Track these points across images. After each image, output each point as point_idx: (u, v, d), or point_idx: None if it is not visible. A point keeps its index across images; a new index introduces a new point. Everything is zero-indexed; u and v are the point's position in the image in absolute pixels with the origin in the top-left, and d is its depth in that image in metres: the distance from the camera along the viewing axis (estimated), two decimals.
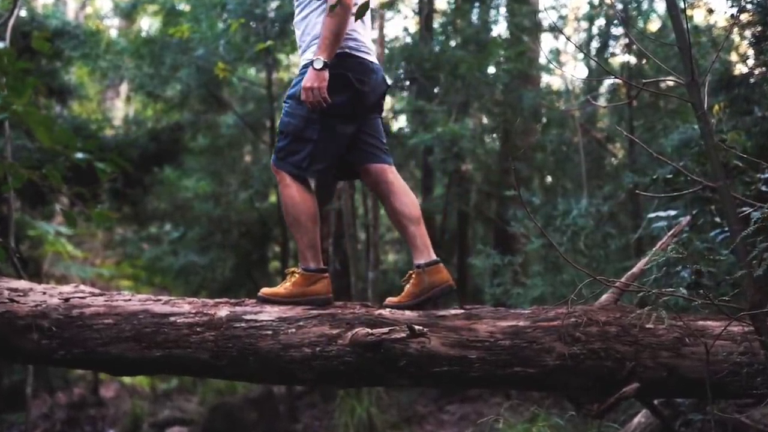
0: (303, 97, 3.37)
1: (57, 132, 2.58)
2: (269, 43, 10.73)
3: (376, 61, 3.63)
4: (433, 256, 3.55)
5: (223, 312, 3.39)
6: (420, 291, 3.46)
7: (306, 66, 3.48)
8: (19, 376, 10.21)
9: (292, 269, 3.59)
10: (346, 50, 3.48)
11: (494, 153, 13.05)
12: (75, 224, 2.59)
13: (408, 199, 3.63)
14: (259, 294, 3.51)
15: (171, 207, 13.96)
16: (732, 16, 6.46)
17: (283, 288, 3.51)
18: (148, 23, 16.71)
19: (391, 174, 3.70)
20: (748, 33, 6.85)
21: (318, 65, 3.33)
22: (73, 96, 11.79)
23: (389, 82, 3.88)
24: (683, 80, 3.06)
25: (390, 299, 3.51)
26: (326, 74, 3.34)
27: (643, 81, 3.24)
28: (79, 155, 2.65)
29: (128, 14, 13.88)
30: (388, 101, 13.96)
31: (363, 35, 3.58)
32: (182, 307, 3.44)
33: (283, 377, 3.41)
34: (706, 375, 3.05)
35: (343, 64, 3.46)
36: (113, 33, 15.32)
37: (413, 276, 3.51)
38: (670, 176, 5.01)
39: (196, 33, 11.19)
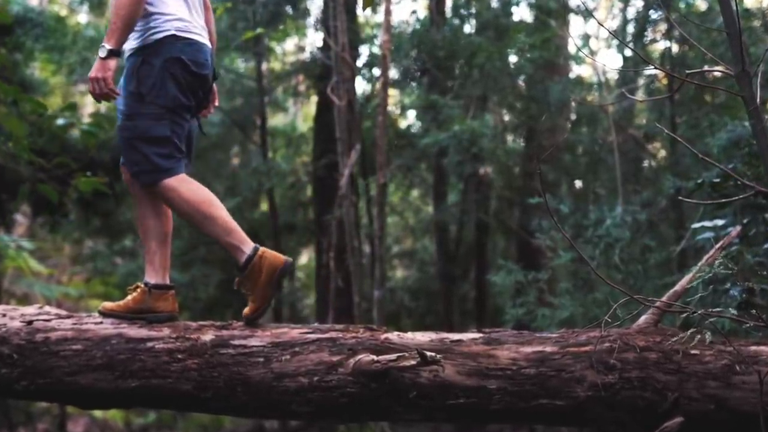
0: (90, 89, 3.46)
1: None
2: (259, 30, 10.77)
3: (207, 43, 3.75)
4: (167, 281, 3.76)
5: (208, 336, 3.40)
6: (139, 309, 3.60)
7: (131, 55, 3.59)
8: None
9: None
10: (173, 32, 3.56)
11: (517, 154, 13.06)
12: (55, 197, 2.62)
13: (170, 213, 3.80)
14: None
15: None
16: None
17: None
18: None
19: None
20: None
21: (102, 53, 3.42)
22: (36, 92, 11.83)
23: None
24: (732, 70, 3.06)
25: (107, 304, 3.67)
26: (112, 63, 3.43)
27: (687, 71, 3.25)
28: (61, 121, 2.70)
29: (98, 6, 13.93)
30: (395, 95, 13.99)
31: (188, 15, 3.67)
32: (161, 331, 3.45)
33: (276, 411, 3.42)
34: (761, 408, 3.04)
35: (173, 48, 3.54)
36: (82, 19, 15.36)
37: (138, 290, 3.66)
38: (718, 180, 5.01)
39: None
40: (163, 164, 3.55)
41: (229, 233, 3.57)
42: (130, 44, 3.59)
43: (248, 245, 3.56)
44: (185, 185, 3.57)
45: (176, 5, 3.61)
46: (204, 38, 3.72)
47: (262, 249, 3.55)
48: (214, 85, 3.91)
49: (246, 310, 3.55)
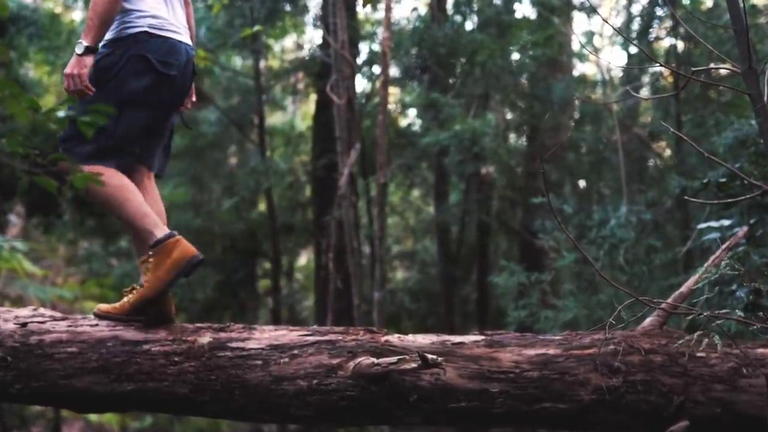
0: (64, 85, 3.51)
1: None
2: (257, 27, 10.77)
3: (187, 41, 3.77)
4: None
5: (205, 339, 3.39)
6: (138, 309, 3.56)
7: (103, 46, 3.61)
8: None
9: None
10: (146, 29, 3.59)
11: (519, 153, 13.07)
12: (54, 188, 2.61)
13: (160, 210, 3.80)
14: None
15: None
16: None
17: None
18: None
19: (149, 180, 3.86)
20: None
21: (79, 50, 3.48)
22: (30, 92, 11.82)
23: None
24: (739, 68, 3.06)
25: (102, 306, 3.64)
26: (88, 60, 3.48)
27: (693, 69, 3.25)
28: (61, 113, 2.69)
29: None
30: (396, 94, 13.99)
31: (166, 12, 3.69)
32: (157, 333, 3.45)
33: (274, 414, 3.41)
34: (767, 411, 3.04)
35: (143, 45, 3.57)
36: (77, 17, 15.36)
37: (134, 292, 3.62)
38: (724, 180, 5.01)
39: None
40: (95, 152, 3.55)
41: (143, 217, 3.56)
42: (105, 36, 3.62)
43: (162, 230, 3.55)
44: (105, 172, 3.55)
45: (153, 2, 3.64)
46: (182, 36, 3.73)
47: (179, 237, 3.55)
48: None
49: (131, 296, 3.54)
